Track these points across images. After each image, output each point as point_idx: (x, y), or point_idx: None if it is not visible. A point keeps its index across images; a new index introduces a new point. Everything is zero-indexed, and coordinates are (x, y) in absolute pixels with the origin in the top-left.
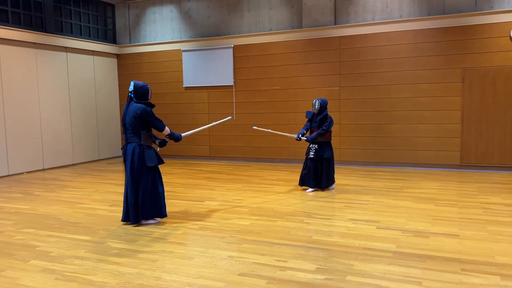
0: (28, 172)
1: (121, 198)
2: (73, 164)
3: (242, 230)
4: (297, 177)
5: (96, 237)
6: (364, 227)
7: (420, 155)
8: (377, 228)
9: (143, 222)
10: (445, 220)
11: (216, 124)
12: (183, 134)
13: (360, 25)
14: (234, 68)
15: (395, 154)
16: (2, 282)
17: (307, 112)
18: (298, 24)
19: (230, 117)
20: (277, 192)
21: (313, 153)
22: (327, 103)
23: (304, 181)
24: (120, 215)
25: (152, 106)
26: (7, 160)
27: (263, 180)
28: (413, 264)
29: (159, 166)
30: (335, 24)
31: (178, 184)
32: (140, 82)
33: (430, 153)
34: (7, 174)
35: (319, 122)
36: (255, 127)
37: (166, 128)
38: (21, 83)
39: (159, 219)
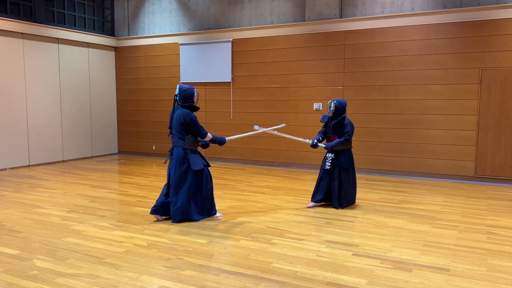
0: (11, 168)
1: (85, 202)
2: (63, 161)
3: (194, 250)
4: (289, 184)
5: (26, 252)
6: (338, 253)
7: (428, 164)
8: (353, 254)
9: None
10: (438, 248)
11: (269, 130)
12: (227, 138)
13: (367, 19)
14: (233, 64)
15: (401, 162)
16: None
17: (323, 116)
18: (301, 17)
19: (284, 125)
20: (258, 202)
21: (329, 164)
22: (346, 105)
23: (314, 195)
24: (73, 223)
25: (196, 109)
26: None
27: (250, 186)
28: None
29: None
30: (341, 17)
31: (156, 188)
32: (186, 85)
33: (440, 162)
34: None
35: (333, 128)
36: (257, 127)
37: (208, 134)
38: (6, 74)
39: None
